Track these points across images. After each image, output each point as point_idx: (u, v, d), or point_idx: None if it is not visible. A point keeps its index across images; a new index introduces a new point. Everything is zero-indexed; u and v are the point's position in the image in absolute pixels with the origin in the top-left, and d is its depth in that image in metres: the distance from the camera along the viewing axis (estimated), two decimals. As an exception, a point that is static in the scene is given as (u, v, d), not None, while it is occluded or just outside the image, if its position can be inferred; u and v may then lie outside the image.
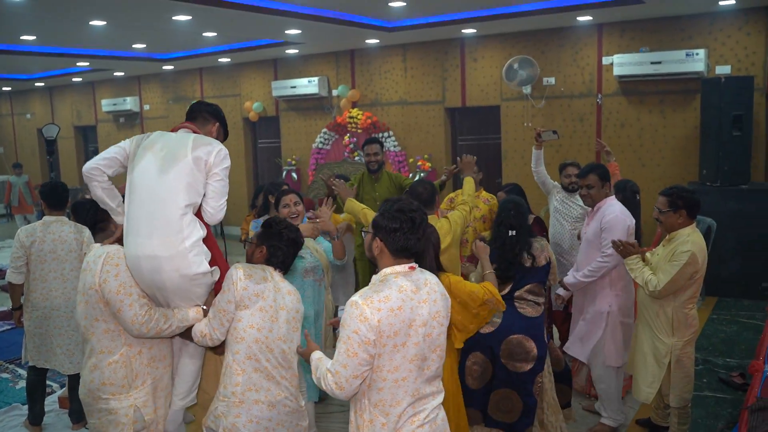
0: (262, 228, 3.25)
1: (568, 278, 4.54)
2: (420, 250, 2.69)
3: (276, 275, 3.14)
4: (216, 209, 3.01)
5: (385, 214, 2.61)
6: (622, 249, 4.06)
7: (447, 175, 5.58)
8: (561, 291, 4.65)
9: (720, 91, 7.55)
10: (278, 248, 3.17)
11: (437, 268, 3.30)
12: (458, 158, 5.21)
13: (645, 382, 4.03)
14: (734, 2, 7.70)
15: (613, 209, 4.37)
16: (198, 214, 3.02)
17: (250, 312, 2.98)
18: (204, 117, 3.27)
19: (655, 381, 3.99)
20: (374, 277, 2.65)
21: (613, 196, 4.52)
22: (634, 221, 4.42)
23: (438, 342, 2.62)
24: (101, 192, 3.08)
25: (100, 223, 3.55)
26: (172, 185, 2.89)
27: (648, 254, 4.11)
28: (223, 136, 3.34)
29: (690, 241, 3.86)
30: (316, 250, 4.26)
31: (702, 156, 7.95)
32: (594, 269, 4.35)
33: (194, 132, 3.13)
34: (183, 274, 2.90)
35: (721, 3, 7.75)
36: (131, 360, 3.07)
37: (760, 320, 6.70)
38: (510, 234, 3.95)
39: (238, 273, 3.00)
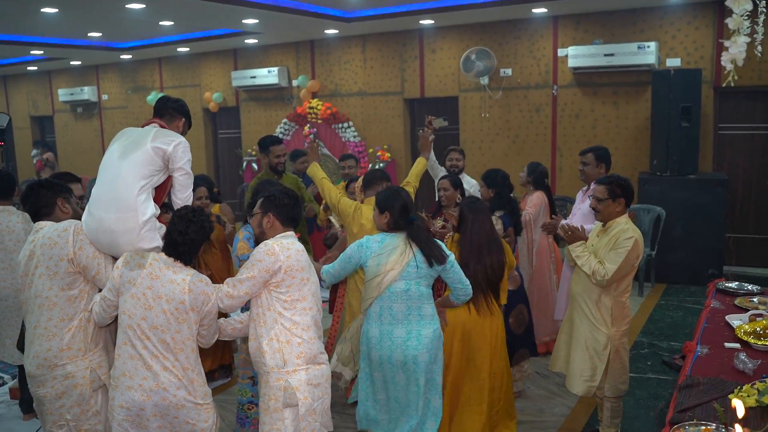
0: (174, 213, 3.17)
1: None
2: (299, 222, 3.40)
3: (159, 263, 3.04)
4: (184, 199, 3.38)
5: (275, 194, 3.28)
6: (570, 234, 4.12)
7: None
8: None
9: (669, 83, 7.73)
10: (174, 240, 3.07)
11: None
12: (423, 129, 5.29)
13: (584, 375, 4.00)
14: (683, -4, 7.90)
15: None
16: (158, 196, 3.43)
17: (124, 298, 3.03)
18: (170, 114, 3.57)
19: (595, 374, 3.97)
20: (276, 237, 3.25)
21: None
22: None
23: (320, 292, 3.32)
24: None
25: (44, 207, 3.46)
26: (129, 168, 3.21)
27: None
28: (187, 128, 3.67)
29: (630, 228, 3.92)
30: None
31: (652, 146, 8.14)
32: None
33: (161, 127, 3.43)
34: (137, 247, 3.20)
35: (671, -3, 7.94)
36: (88, 324, 3.31)
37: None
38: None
39: (119, 260, 3.12)
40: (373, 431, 3.75)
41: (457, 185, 5.12)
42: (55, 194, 3.48)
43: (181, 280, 3.02)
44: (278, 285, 3.11)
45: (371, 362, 3.64)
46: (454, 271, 3.60)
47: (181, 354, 3.03)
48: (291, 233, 3.29)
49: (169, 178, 3.41)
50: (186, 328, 3.03)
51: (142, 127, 3.45)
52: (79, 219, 3.38)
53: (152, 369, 2.98)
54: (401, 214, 3.56)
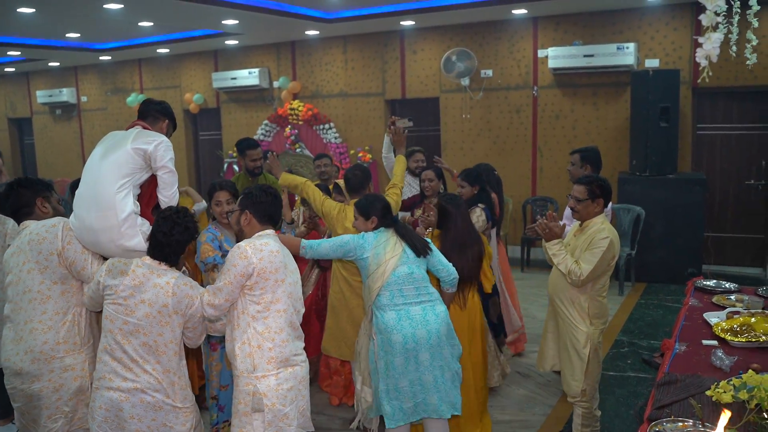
0: (159, 215, 3.18)
1: None
2: (278, 220, 3.38)
3: (143, 269, 3.06)
4: (169, 197, 3.42)
5: (253, 191, 3.29)
6: (547, 232, 4.10)
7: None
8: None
9: (648, 84, 7.79)
10: (159, 242, 3.10)
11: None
12: (389, 126, 5.23)
13: (572, 376, 4.00)
14: (661, -2, 7.97)
15: None
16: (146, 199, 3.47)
17: (106, 304, 3.08)
18: (154, 116, 3.59)
19: (580, 374, 3.96)
20: (252, 237, 3.25)
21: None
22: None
23: (300, 292, 3.30)
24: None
25: (24, 207, 3.50)
26: (108, 168, 3.27)
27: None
28: (172, 130, 3.70)
29: (606, 228, 3.92)
30: None
31: (632, 146, 8.20)
32: None
33: (145, 129, 3.46)
34: (118, 244, 3.26)
35: (649, -2, 8.00)
36: (80, 319, 3.40)
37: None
38: None
39: (101, 269, 3.16)
40: (392, 422, 3.70)
41: (440, 176, 5.45)
42: (35, 194, 3.53)
43: (165, 284, 3.03)
44: (251, 288, 3.10)
45: (392, 347, 3.62)
46: (436, 257, 3.86)
47: (163, 356, 3.05)
48: (269, 232, 3.27)
49: (156, 178, 3.45)
50: (169, 330, 3.04)
51: (126, 129, 3.49)
52: (59, 218, 3.47)
53: (132, 371, 3.01)
54: (385, 215, 3.83)
